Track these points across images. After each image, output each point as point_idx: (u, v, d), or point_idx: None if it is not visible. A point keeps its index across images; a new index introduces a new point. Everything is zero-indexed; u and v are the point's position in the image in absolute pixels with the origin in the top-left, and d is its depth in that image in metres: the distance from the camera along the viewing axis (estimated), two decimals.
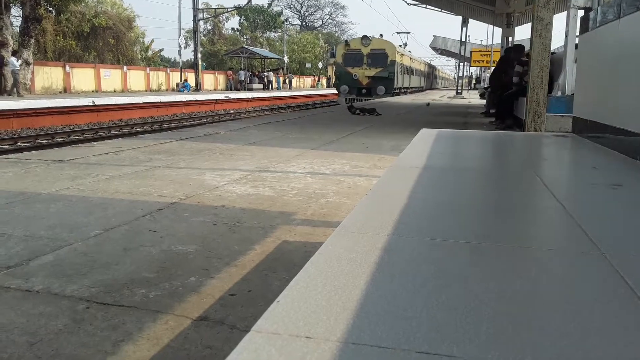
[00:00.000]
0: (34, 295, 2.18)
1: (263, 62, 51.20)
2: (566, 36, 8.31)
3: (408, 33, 50.84)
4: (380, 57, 29.17)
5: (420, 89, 43.42)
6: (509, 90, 10.99)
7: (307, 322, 0.81)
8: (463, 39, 32.47)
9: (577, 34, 6.39)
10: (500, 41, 27.10)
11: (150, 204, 3.71)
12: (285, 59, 53.31)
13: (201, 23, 37.81)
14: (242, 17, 62.53)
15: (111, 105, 20.53)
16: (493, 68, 13.84)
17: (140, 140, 7.48)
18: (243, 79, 41.41)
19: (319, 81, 59.13)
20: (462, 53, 33.17)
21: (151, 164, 5.42)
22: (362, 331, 0.79)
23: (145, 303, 2.14)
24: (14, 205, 3.58)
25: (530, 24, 6.58)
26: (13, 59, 21.31)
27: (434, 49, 57.38)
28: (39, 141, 12.90)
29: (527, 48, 9.70)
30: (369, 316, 0.84)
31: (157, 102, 23.59)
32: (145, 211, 3.52)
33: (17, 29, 24.02)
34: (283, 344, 0.74)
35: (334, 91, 34.16)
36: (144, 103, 22.71)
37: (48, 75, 25.04)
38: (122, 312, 2.05)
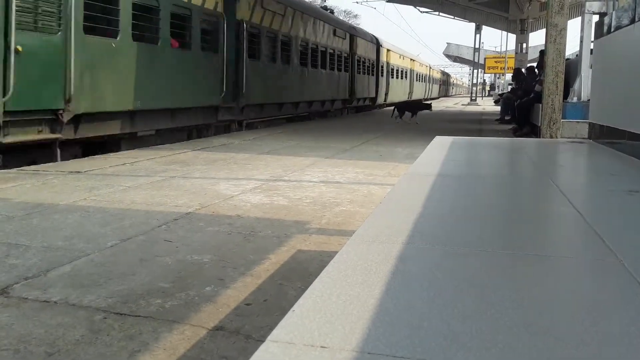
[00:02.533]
0: (52, 306, 2.20)
1: None
2: (581, 41, 8.27)
3: None
4: None
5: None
6: (526, 97, 10.96)
7: (322, 331, 0.81)
8: (477, 46, 32.39)
9: (592, 39, 6.35)
10: (514, 47, 27.02)
11: (165, 214, 3.74)
12: None
13: None
14: None
15: None
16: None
17: (155, 151, 7.54)
18: None
19: None
20: (476, 60, 33.07)
21: (167, 174, 5.46)
22: (378, 340, 0.78)
23: (161, 313, 2.15)
24: (32, 216, 3.63)
25: (544, 29, 6.55)
26: None
27: (448, 56, 57.41)
28: None
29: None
30: (385, 325, 0.83)
31: None
32: (161, 221, 3.54)
33: None
34: (298, 354, 0.74)
35: None
36: None
37: None
38: (139, 323, 2.06)
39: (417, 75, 34.96)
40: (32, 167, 5.88)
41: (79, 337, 1.94)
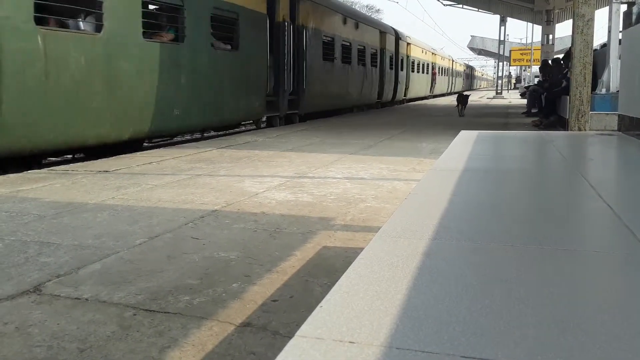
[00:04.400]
0: (83, 303, 2.25)
1: None
2: (609, 32, 8.12)
3: None
4: None
5: None
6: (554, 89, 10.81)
7: (350, 327, 0.81)
8: (502, 38, 31.96)
9: (621, 29, 6.23)
10: (540, 39, 26.62)
11: (192, 212, 3.78)
12: None
13: None
14: None
15: None
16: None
17: (181, 149, 7.62)
18: None
19: None
20: (501, 52, 32.64)
21: (192, 172, 5.51)
22: (406, 336, 0.78)
23: (189, 309, 2.18)
24: (62, 215, 3.70)
25: (571, 20, 6.44)
26: None
27: (472, 49, 56.84)
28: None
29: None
30: (412, 321, 0.83)
31: None
32: (188, 219, 3.59)
33: None
34: (327, 349, 0.75)
35: None
36: None
37: None
38: (168, 319, 2.10)
39: (439, 68, 34.45)
40: (62, 166, 5.99)
41: (110, 334, 1.97)
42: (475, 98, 29.40)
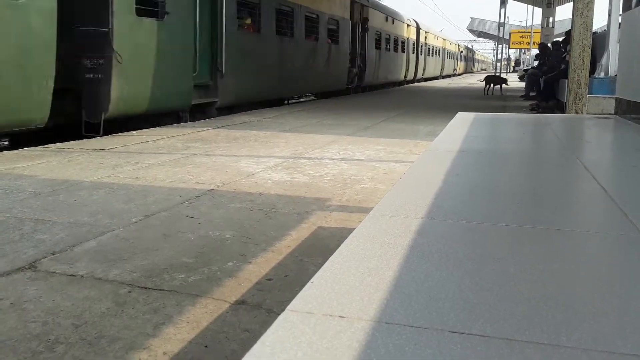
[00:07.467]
0: (79, 280, 2.25)
1: None
2: (609, 15, 8.07)
3: None
4: None
5: None
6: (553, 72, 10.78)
7: (341, 302, 0.82)
8: (501, 21, 31.72)
9: (620, 12, 6.19)
10: (540, 22, 26.46)
11: (188, 191, 3.78)
12: None
13: None
14: None
15: None
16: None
17: (177, 128, 7.60)
18: None
19: None
20: (501, 35, 32.41)
21: (189, 151, 5.50)
22: (395, 311, 0.79)
23: (184, 287, 2.19)
24: (58, 193, 3.70)
25: (571, 3, 6.39)
26: None
27: (472, 31, 56.51)
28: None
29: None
30: (402, 297, 0.84)
31: None
32: (184, 198, 3.58)
33: None
34: (317, 323, 0.75)
35: None
36: None
37: None
38: (163, 296, 2.11)
39: (429, 49, 33.28)
40: (58, 144, 5.97)
41: (105, 310, 1.98)
42: (474, 80, 29.26)
